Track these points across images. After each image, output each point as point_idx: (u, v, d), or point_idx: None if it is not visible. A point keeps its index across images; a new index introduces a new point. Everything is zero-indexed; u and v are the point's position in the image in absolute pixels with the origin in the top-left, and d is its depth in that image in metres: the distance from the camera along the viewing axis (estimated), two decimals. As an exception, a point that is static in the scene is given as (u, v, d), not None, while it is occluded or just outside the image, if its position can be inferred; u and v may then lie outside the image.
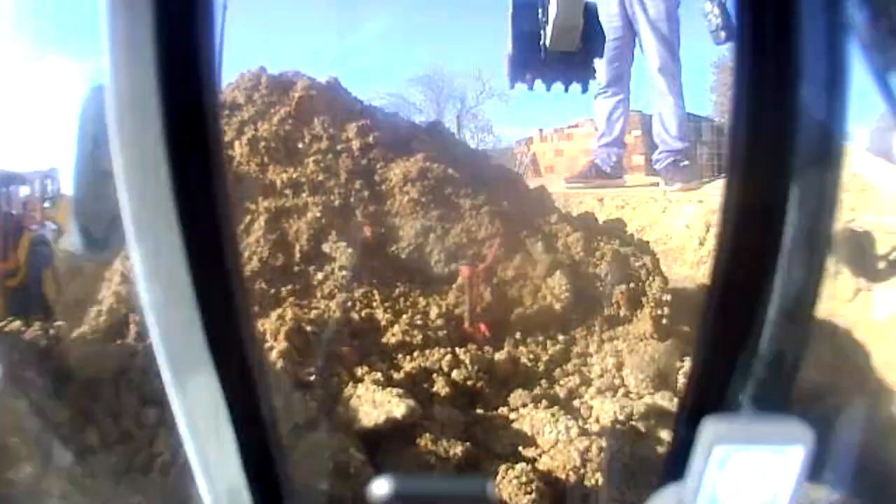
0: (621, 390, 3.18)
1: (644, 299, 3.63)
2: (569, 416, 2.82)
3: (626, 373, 3.28)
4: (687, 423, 0.56)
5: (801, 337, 0.56)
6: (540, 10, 1.89)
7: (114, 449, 2.64)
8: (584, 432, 2.75)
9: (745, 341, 0.55)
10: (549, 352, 3.39)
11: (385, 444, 2.68)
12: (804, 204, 0.51)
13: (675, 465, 0.55)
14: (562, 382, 3.22)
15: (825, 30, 0.50)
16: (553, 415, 2.81)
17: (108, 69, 0.48)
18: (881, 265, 3.82)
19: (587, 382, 3.24)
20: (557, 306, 3.53)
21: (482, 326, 3.36)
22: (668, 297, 3.68)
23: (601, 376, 3.27)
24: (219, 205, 0.52)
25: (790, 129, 0.51)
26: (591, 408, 3.02)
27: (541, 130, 10.82)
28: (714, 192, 6.04)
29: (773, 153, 0.51)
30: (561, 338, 3.51)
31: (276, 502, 0.59)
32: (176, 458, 2.55)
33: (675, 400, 3.07)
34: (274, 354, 2.89)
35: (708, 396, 0.57)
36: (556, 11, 1.76)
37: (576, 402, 3.08)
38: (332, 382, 2.90)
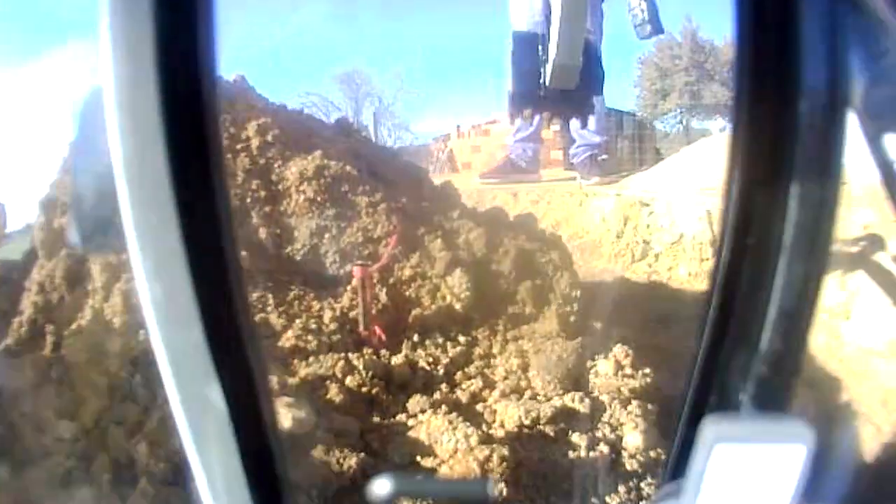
0: (527, 393, 3.04)
1: (551, 296, 3.53)
2: (468, 423, 2.67)
3: (532, 374, 3.15)
4: (687, 422, 0.60)
5: (802, 336, 0.59)
6: (540, 48, 1.94)
7: (39, 463, 2.55)
8: (486, 439, 2.61)
9: (745, 341, 0.58)
10: (450, 354, 3.24)
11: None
12: (804, 204, 0.53)
13: (676, 465, 0.59)
14: (463, 386, 3.08)
15: (825, 29, 0.51)
16: (451, 422, 2.66)
17: (109, 69, 0.49)
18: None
19: (491, 385, 3.10)
20: (457, 306, 3.40)
21: (377, 329, 3.19)
22: (577, 294, 3.58)
23: (505, 378, 3.14)
24: (219, 205, 0.54)
25: (790, 129, 0.52)
26: (494, 412, 2.87)
27: (458, 127, 10.77)
28: (632, 186, 6.04)
29: (773, 153, 0.53)
30: (462, 339, 3.37)
31: (276, 502, 0.60)
32: (88, 472, 2.51)
33: (587, 400, 2.96)
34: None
35: (708, 396, 0.60)
36: (556, 50, 1.80)
37: (479, 407, 2.93)
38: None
